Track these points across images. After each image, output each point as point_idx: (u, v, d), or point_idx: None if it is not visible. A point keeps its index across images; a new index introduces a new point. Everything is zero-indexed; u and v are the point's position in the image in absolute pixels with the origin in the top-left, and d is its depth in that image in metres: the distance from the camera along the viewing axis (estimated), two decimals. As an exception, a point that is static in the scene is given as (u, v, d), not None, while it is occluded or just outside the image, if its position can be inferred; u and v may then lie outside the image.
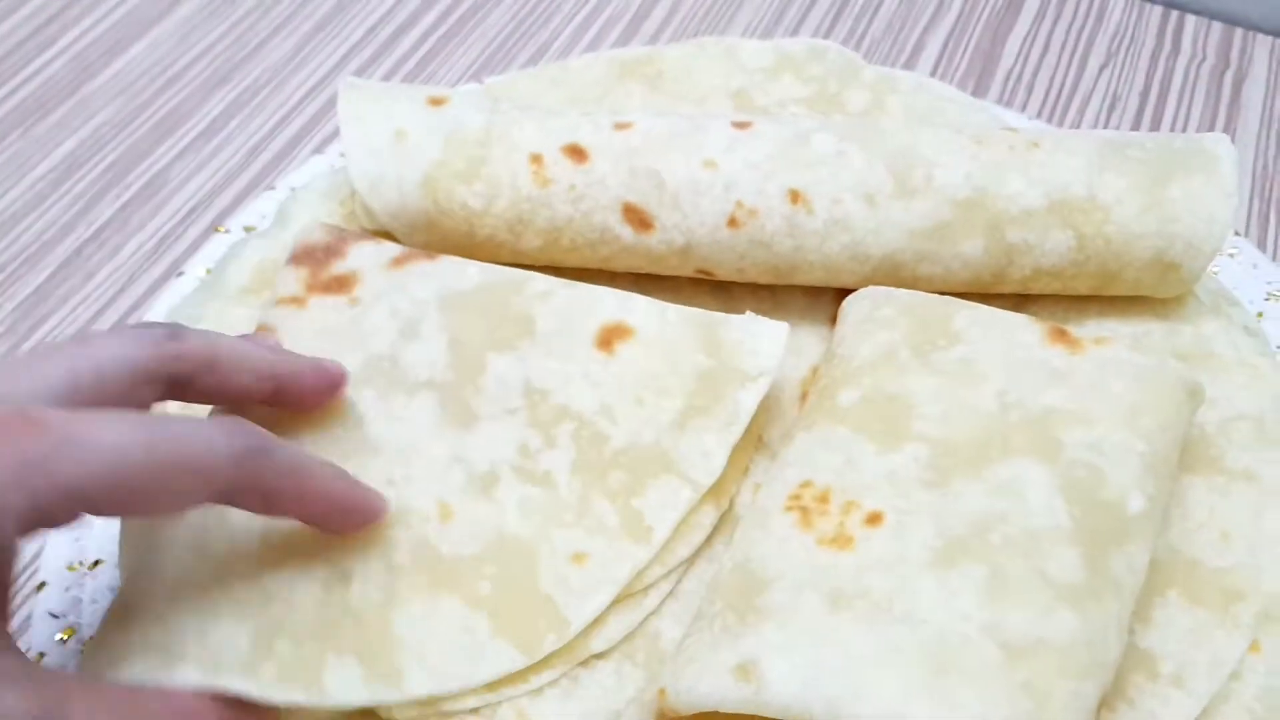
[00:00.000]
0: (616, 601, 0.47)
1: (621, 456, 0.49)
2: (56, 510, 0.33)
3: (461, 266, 0.54)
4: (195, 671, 0.42)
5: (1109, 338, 0.50)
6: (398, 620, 0.44)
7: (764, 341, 0.52)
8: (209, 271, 0.62)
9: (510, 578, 0.46)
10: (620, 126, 0.57)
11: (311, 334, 0.51)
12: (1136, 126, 0.75)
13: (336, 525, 0.44)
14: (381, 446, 0.48)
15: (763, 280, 0.58)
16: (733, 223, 0.55)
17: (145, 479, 0.34)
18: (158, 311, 0.60)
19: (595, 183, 0.56)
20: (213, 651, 0.42)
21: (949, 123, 0.65)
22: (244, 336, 0.47)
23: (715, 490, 0.50)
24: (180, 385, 0.41)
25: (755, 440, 0.54)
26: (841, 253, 0.55)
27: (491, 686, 0.44)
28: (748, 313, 0.53)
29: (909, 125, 0.57)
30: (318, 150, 0.71)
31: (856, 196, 0.55)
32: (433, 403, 0.50)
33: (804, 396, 0.56)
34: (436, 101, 0.58)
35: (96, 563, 0.51)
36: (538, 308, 0.53)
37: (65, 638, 0.49)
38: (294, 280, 0.53)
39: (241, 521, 0.45)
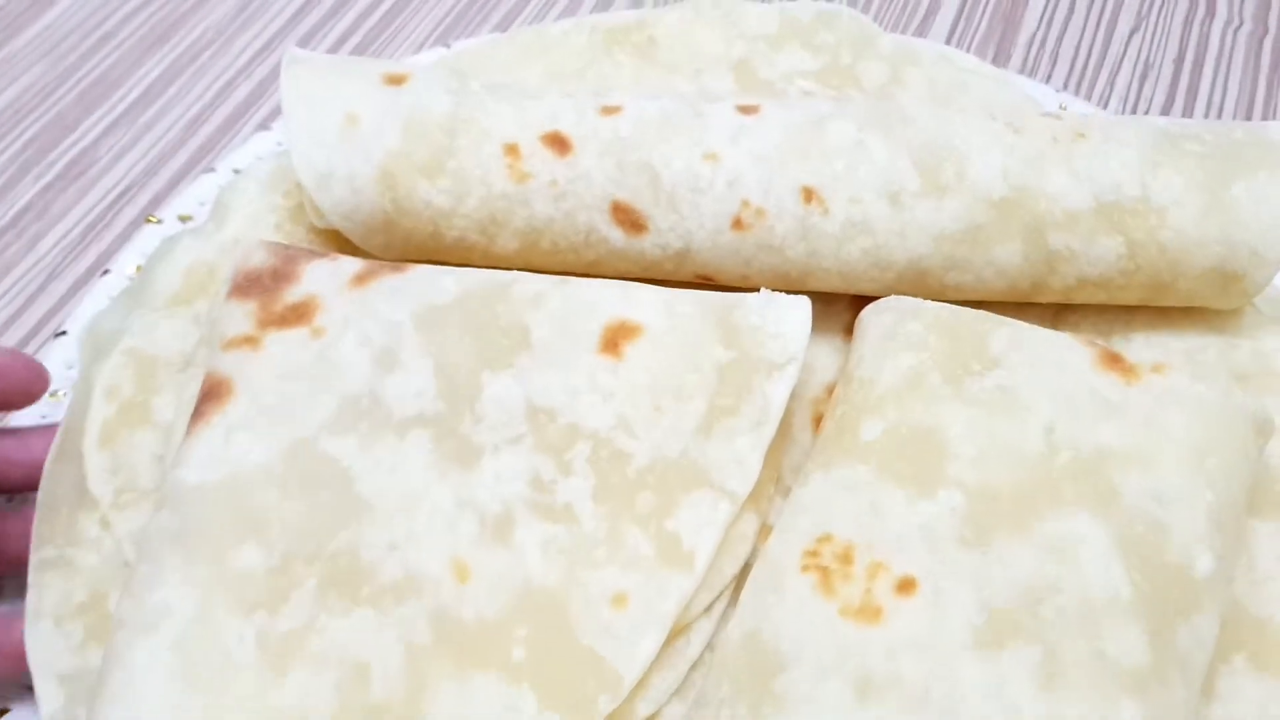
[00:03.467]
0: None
1: (647, 475, 0.43)
2: None
3: (435, 277, 0.47)
4: None
5: (1166, 364, 0.44)
6: (431, 713, 0.38)
7: (787, 323, 0.46)
8: (139, 269, 0.55)
9: (546, 636, 0.40)
10: (607, 110, 0.50)
11: (273, 379, 0.44)
12: (1171, 97, 0.68)
13: None
14: (376, 504, 0.42)
15: (771, 286, 0.51)
16: (738, 225, 0.49)
17: None
18: (79, 318, 0.53)
19: (579, 178, 0.49)
20: None
21: (976, 101, 0.58)
22: None
23: (753, 496, 0.44)
24: None
25: (788, 434, 0.48)
26: (861, 259, 0.49)
27: None
28: (762, 290, 0.47)
29: (937, 110, 0.50)
30: (263, 125, 0.63)
31: (878, 195, 0.48)
32: (426, 441, 0.43)
33: (817, 419, 0.49)
34: (395, 80, 0.51)
35: (3, 711, 0.43)
36: (530, 315, 0.46)
37: None
38: (242, 316, 0.46)
39: (232, 629, 0.39)
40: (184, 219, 0.58)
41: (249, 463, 0.42)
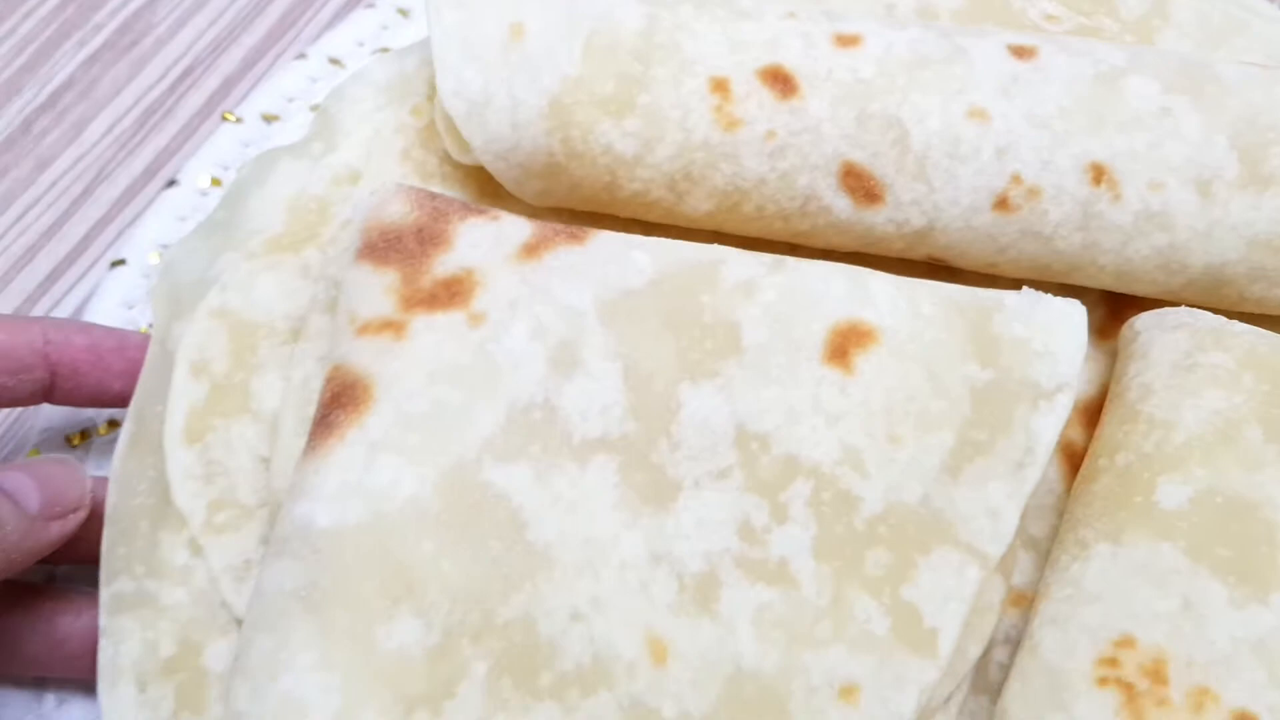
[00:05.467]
0: None
1: (880, 525, 0.34)
2: None
3: (624, 251, 0.36)
4: None
5: None
6: None
7: (1059, 337, 0.36)
8: (215, 182, 0.44)
9: None
10: (844, 41, 0.39)
11: (424, 380, 0.34)
12: None
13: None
14: (555, 556, 0.33)
15: (1023, 279, 0.41)
16: (1001, 204, 0.38)
17: None
18: (139, 243, 0.42)
19: (807, 129, 0.38)
20: None
21: (1255, 47, 0.47)
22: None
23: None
24: None
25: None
26: (1150, 258, 0.39)
27: None
28: (1025, 289, 0.37)
29: (1256, 73, 0.39)
30: (364, -2, 0.51)
31: (1184, 181, 0.38)
32: (613, 472, 0.34)
33: (1066, 450, 0.40)
34: (572, -22, 0.39)
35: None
36: (742, 309, 0.36)
37: None
38: (380, 290, 0.35)
39: None
40: (269, 119, 0.46)
41: (398, 498, 0.32)
